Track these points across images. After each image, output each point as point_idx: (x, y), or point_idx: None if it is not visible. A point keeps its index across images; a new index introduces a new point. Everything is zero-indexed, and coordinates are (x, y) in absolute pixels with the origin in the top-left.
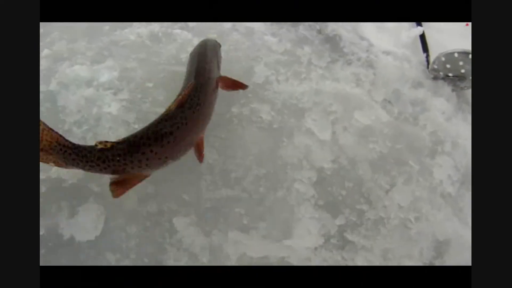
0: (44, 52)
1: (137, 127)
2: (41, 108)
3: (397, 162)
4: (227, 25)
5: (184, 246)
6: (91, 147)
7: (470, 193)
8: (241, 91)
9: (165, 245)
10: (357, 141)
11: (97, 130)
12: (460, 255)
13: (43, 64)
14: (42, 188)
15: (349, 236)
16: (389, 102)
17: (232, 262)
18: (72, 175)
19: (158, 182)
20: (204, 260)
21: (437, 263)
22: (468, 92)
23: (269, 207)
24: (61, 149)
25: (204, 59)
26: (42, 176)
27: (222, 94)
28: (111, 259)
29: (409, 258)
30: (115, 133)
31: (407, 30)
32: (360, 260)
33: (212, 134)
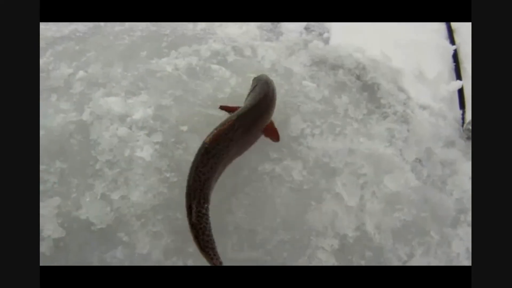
0: (79, 74)
1: (169, 176)
2: (73, 140)
3: (419, 232)
4: (267, 65)
5: None
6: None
7: None
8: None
9: None
10: (383, 209)
11: (129, 175)
12: None
13: (77, 87)
14: (73, 225)
15: None
16: (420, 161)
17: None
18: (101, 220)
19: (186, 238)
20: None
21: None
22: None
23: None
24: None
25: (264, 103)
26: (71, 214)
27: (256, 146)
28: None
29: None
30: (147, 181)
31: (446, 83)
32: None
33: (243, 191)
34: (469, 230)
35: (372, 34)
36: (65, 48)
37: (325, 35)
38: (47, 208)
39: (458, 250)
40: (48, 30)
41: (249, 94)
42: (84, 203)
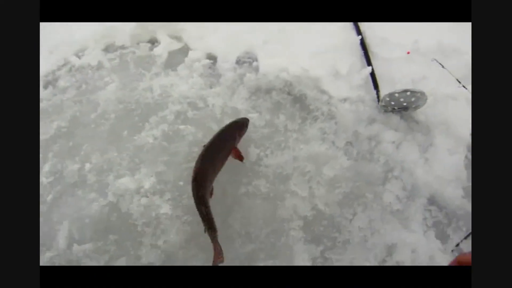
0: (86, 167)
1: (186, 218)
2: (111, 217)
3: (356, 196)
4: (218, 111)
5: None
6: None
7: (414, 203)
8: (243, 170)
9: None
10: (327, 190)
11: (161, 227)
12: (403, 253)
13: (91, 178)
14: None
15: (327, 256)
16: (351, 144)
17: None
18: (157, 259)
19: (206, 259)
20: None
21: (388, 261)
22: (416, 112)
23: (278, 250)
24: None
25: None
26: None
27: (232, 177)
28: None
29: (368, 261)
30: (175, 227)
31: (358, 72)
32: None
33: (234, 210)
34: (396, 182)
35: (291, 51)
36: (60, 147)
37: (254, 64)
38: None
39: (389, 200)
40: None
41: None
42: (142, 254)
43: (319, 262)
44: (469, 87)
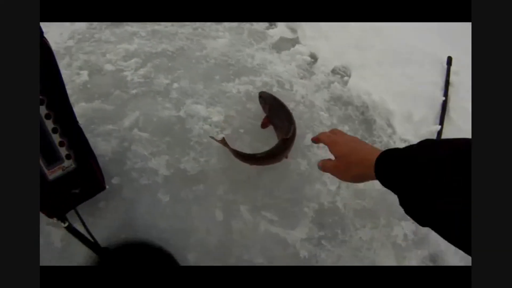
0: (174, 85)
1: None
2: (175, 126)
3: (372, 215)
4: (298, 97)
5: None
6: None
7: (416, 249)
8: (294, 148)
9: None
10: (351, 196)
11: (209, 151)
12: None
13: (174, 95)
14: (177, 172)
15: (322, 242)
16: None
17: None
18: (194, 169)
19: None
20: None
21: None
22: None
23: (287, 215)
24: None
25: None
26: (175, 165)
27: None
28: None
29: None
30: (217, 155)
31: (427, 125)
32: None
33: (272, 172)
34: (411, 225)
35: (379, 82)
36: (160, 63)
37: (345, 78)
38: (160, 161)
39: (397, 233)
40: (144, 45)
41: (271, 109)
42: (183, 160)
43: (312, 243)
44: None
